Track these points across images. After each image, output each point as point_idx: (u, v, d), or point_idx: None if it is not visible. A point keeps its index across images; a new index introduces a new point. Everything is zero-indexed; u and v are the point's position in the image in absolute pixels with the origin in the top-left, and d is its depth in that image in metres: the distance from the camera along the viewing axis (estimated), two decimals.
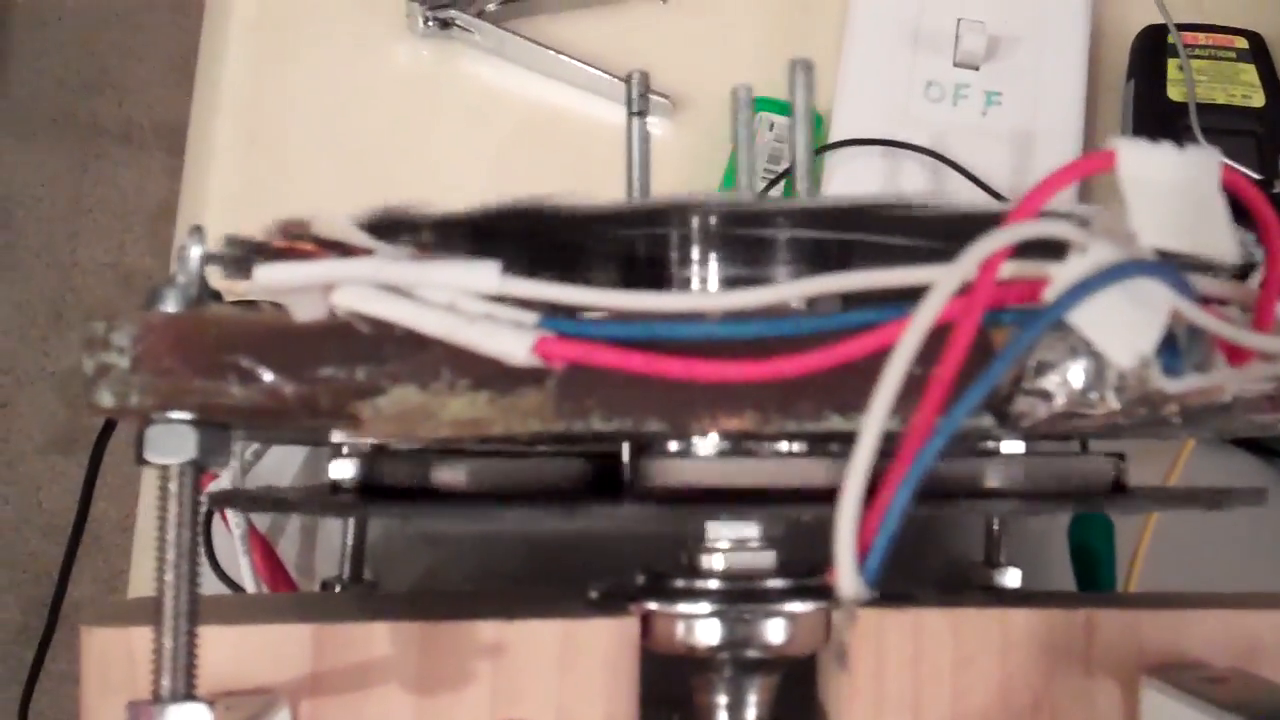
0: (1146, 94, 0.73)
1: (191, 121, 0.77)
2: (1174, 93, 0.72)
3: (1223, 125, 0.71)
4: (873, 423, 0.28)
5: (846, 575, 0.27)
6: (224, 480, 0.57)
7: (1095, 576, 0.58)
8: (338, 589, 0.58)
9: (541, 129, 0.75)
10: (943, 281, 0.28)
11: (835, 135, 0.72)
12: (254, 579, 0.58)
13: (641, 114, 0.47)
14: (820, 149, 0.72)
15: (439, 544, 0.61)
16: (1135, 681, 0.44)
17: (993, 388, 0.29)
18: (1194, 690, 0.41)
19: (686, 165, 0.74)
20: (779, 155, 0.72)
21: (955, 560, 0.61)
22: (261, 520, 0.60)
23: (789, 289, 0.32)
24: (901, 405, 0.30)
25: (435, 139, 0.74)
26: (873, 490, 0.29)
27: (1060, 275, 0.29)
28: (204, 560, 0.60)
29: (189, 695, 0.34)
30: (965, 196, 0.70)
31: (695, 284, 0.43)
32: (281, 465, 0.61)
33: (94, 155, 1.59)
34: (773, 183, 0.72)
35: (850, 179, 0.71)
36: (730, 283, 0.42)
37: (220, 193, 0.74)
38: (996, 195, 0.70)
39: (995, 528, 0.59)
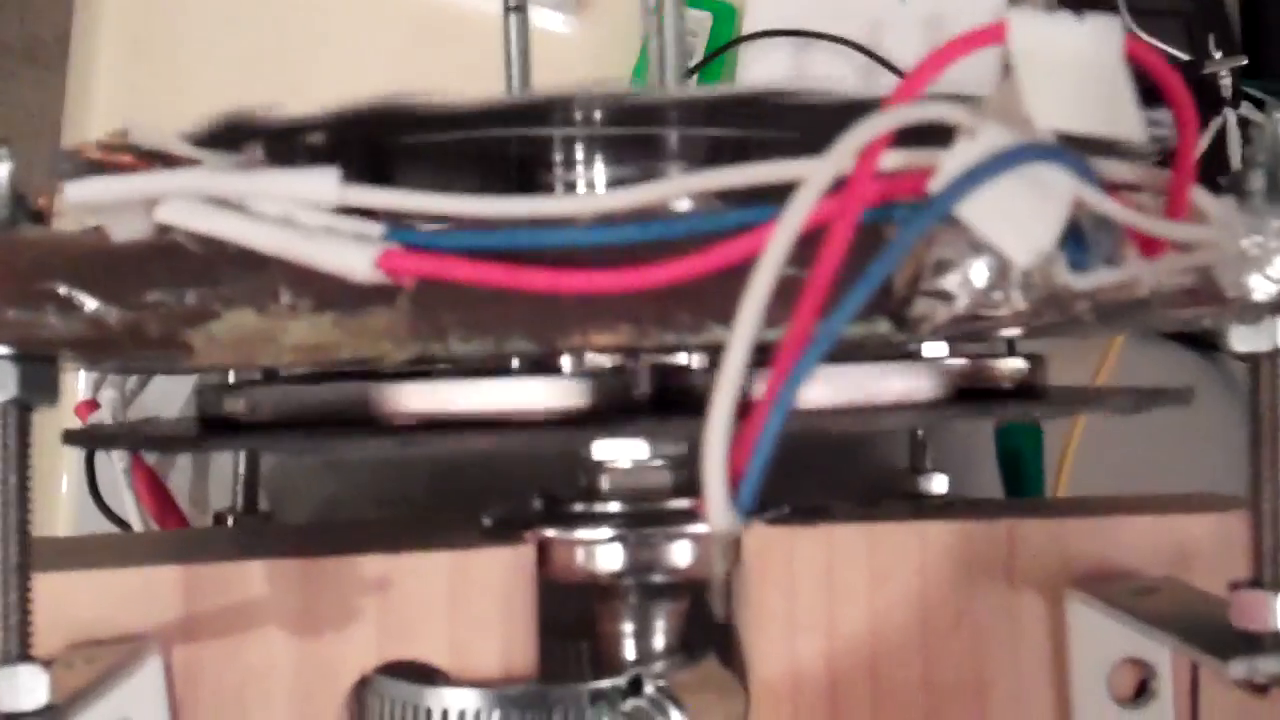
0: None
1: (73, 29, 0.73)
2: None
3: (1152, 5, 0.68)
4: (741, 333, 0.25)
5: (718, 507, 0.25)
6: (104, 413, 0.54)
7: (1023, 482, 0.56)
8: (230, 521, 0.55)
9: (440, 28, 0.71)
10: (814, 176, 0.25)
11: (750, 27, 0.69)
12: (140, 514, 0.55)
13: (520, 8, 0.44)
14: (732, 41, 0.69)
15: (338, 471, 0.59)
16: (1061, 594, 0.42)
17: (875, 289, 0.26)
18: (1122, 603, 0.39)
19: (593, 64, 0.70)
20: (690, 49, 0.69)
21: (880, 467, 0.59)
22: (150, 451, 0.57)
23: (659, 189, 0.29)
24: (783, 315, 0.27)
25: (329, 41, 0.71)
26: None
27: (946, 163, 0.26)
28: (88, 497, 0.57)
29: (23, 656, 0.31)
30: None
31: (579, 191, 0.40)
32: (171, 394, 0.58)
33: None
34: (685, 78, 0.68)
35: (766, 74, 0.68)
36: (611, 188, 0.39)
37: (105, 105, 0.70)
38: None
39: (920, 433, 0.56)
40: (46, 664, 0.31)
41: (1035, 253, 0.26)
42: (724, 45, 0.68)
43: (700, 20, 0.69)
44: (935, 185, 0.26)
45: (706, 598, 0.43)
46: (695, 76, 0.68)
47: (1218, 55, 0.66)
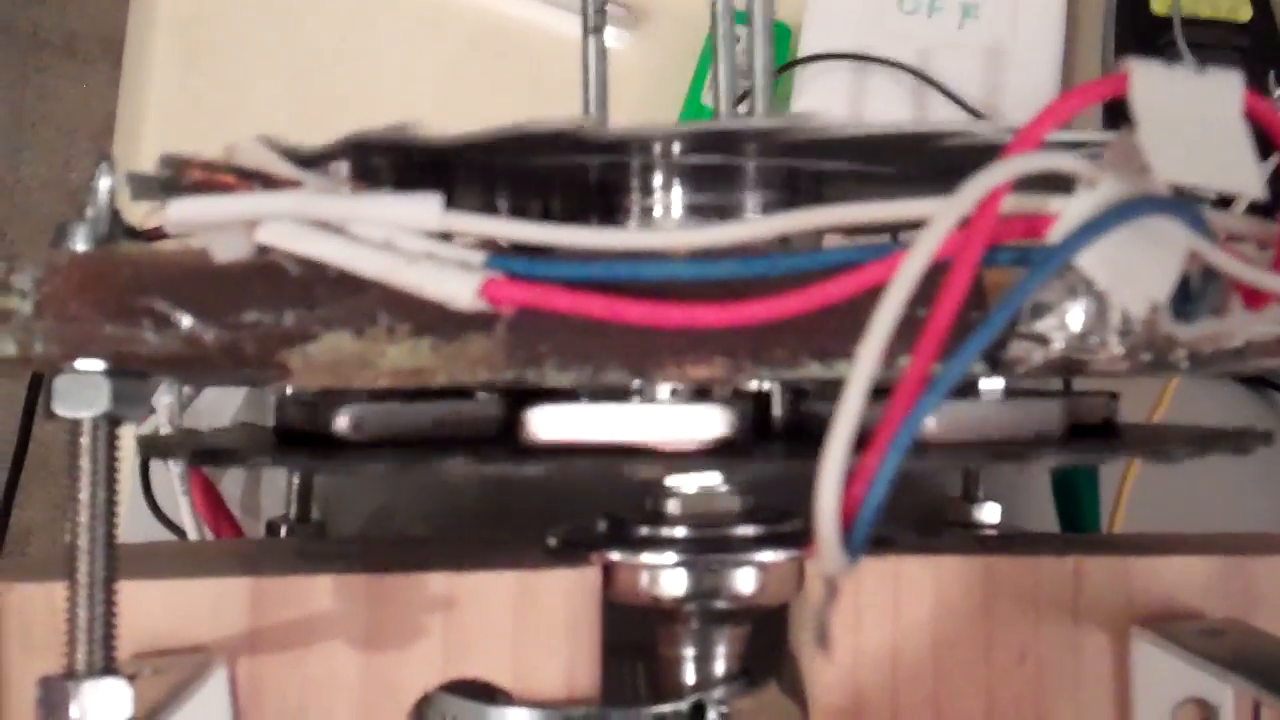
0: (1129, 7, 0.70)
1: (128, 34, 0.73)
2: (1158, 6, 0.69)
3: (1208, 40, 0.68)
4: (861, 371, 0.25)
5: (830, 548, 0.25)
6: (160, 418, 0.54)
7: (1079, 514, 0.56)
8: (283, 530, 0.55)
9: (495, 41, 0.71)
10: (941, 215, 0.25)
11: (805, 50, 0.69)
12: (195, 521, 0.55)
13: (598, 30, 0.44)
14: (788, 64, 0.69)
15: (389, 482, 0.59)
16: (1125, 632, 0.41)
17: (1000, 332, 0.26)
18: (1188, 643, 0.39)
19: (648, 81, 0.70)
20: (743, 71, 0.69)
21: (932, 495, 0.59)
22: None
23: (762, 225, 0.29)
24: (888, 353, 0.27)
25: (384, 51, 0.71)
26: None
27: (1067, 212, 0.26)
28: (141, 502, 0.57)
29: (107, 669, 0.31)
30: (942, 114, 0.67)
31: (657, 214, 0.40)
32: (221, 402, 0.58)
33: (36, 68, 1.54)
34: (737, 101, 0.68)
35: (820, 96, 0.68)
36: (694, 213, 0.39)
37: (159, 110, 0.70)
38: (973, 112, 0.67)
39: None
40: (130, 677, 0.31)
41: (1149, 303, 0.26)
42: (780, 68, 0.68)
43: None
44: (1057, 234, 0.25)
45: (790, 612, 0.43)
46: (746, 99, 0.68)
47: (1277, 92, 0.66)
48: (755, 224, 0.29)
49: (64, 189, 1.50)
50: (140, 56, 0.71)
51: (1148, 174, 0.26)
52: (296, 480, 0.55)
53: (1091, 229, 0.25)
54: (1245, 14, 0.69)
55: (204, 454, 0.40)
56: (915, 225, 0.27)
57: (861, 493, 0.25)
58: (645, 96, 0.69)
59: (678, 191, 0.40)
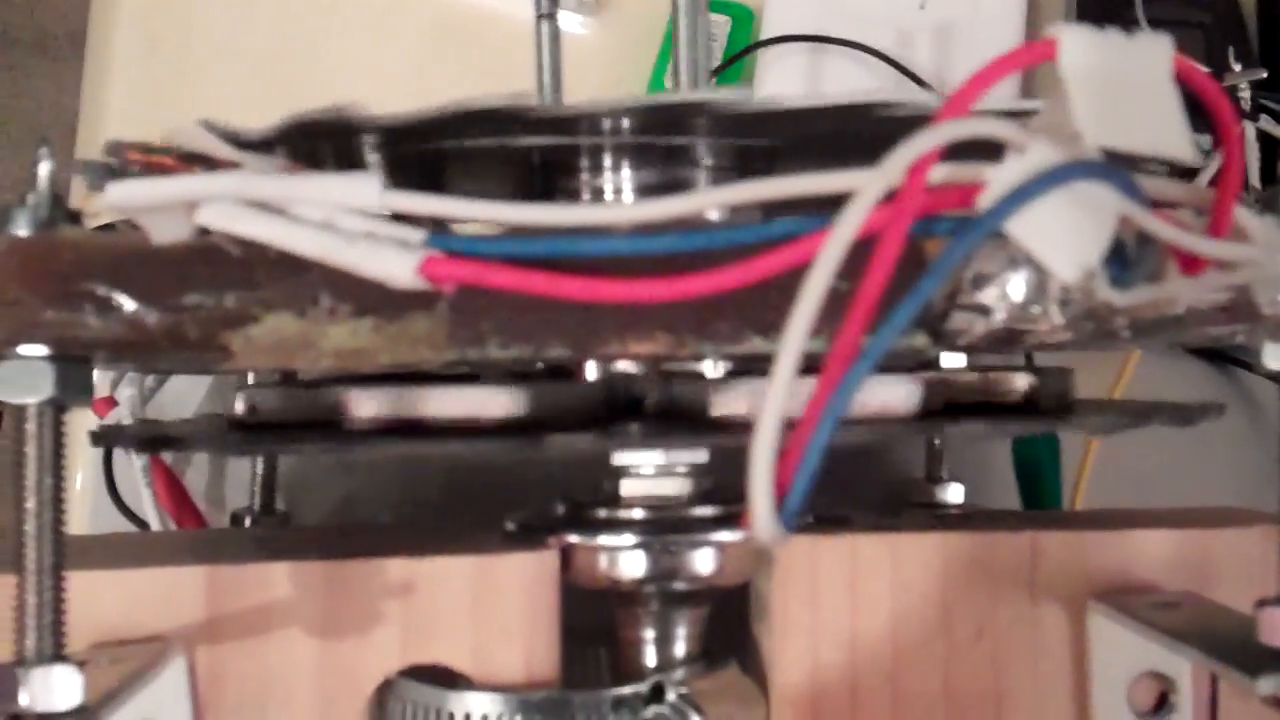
0: None
1: (90, 25, 0.72)
2: None
3: (1170, 16, 0.68)
4: (790, 345, 0.25)
5: (764, 518, 0.25)
6: (122, 410, 0.54)
7: (1040, 492, 0.56)
8: (248, 521, 0.55)
9: (457, 30, 0.71)
10: (866, 187, 0.25)
11: (767, 31, 0.69)
12: (158, 513, 0.55)
13: (551, 16, 0.44)
14: (750, 46, 0.69)
15: (355, 472, 0.59)
16: (1082, 606, 0.42)
17: (925, 304, 0.26)
18: (1144, 617, 0.39)
19: (609, 67, 0.70)
20: (708, 53, 0.69)
21: (895, 476, 0.59)
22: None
23: (702, 198, 0.29)
24: (825, 325, 0.27)
25: (346, 39, 0.71)
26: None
27: (996, 179, 0.26)
28: (104, 494, 0.57)
29: (56, 656, 0.31)
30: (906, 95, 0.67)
31: (608, 196, 0.40)
32: (185, 395, 0.58)
33: (6, 66, 1.53)
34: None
35: (783, 78, 0.68)
36: (644, 195, 0.39)
37: (121, 100, 0.70)
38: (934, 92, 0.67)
39: (937, 443, 0.56)
40: (80, 664, 0.31)
41: (1082, 269, 0.26)
42: (742, 50, 0.68)
43: (719, 24, 0.69)
44: (985, 201, 0.26)
45: (751, 592, 0.43)
46: (714, 80, 0.68)
47: (1237, 68, 0.66)
48: (691, 198, 0.29)
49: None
50: (103, 47, 0.71)
51: (1079, 140, 0.26)
52: (260, 471, 0.55)
53: (1020, 195, 0.25)
54: None
55: (150, 441, 0.40)
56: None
57: (793, 464, 0.25)
58: (607, 82, 0.69)
59: (627, 173, 0.40)
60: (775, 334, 0.30)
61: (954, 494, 0.56)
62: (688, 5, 0.44)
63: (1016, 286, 0.30)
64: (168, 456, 0.57)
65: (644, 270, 0.29)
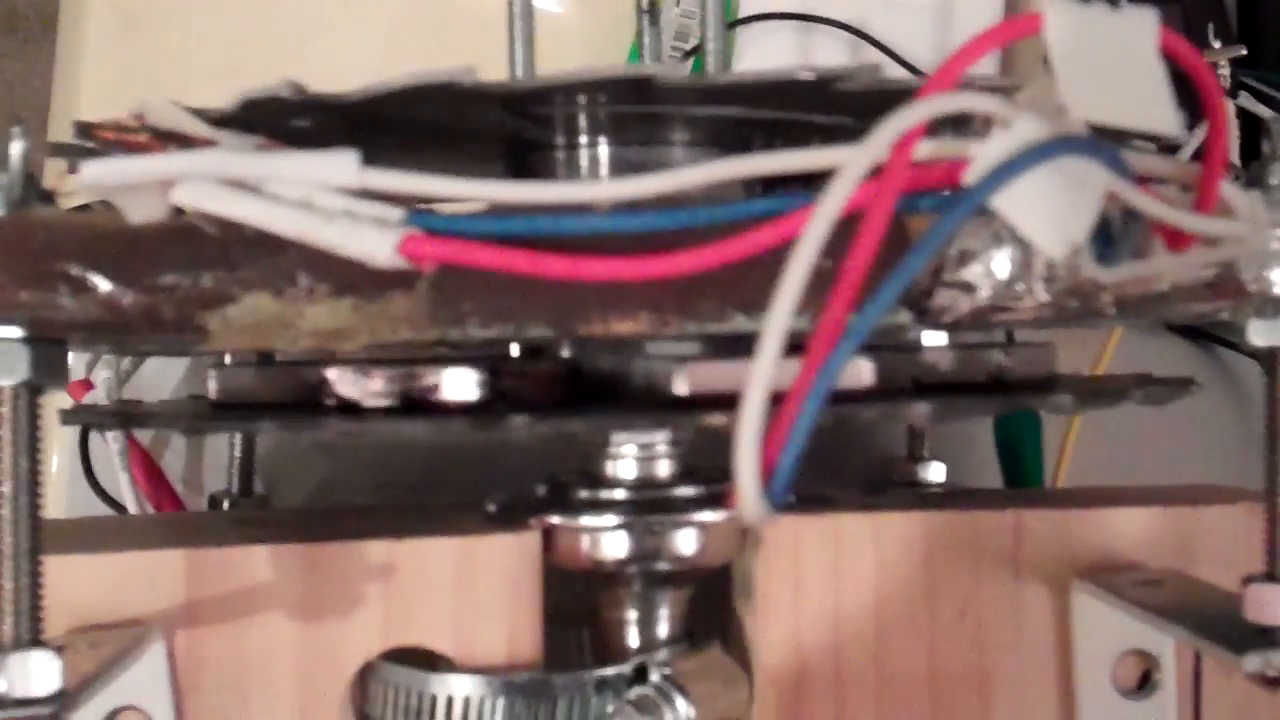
0: None
1: (61, 4, 0.72)
2: None
3: None
4: (775, 323, 0.25)
5: (750, 497, 0.25)
6: (99, 393, 0.54)
7: (1022, 471, 0.56)
8: (226, 504, 0.55)
9: (431, 12, 0.70)
10: (851, 163, 0.25)
11: (747, 9, 0.68)
12: (135, 497, 0.55)
13: None
14: (731, 24, 0.68)
15: (334, 454, 0.58)
16: (1066, 585, 0.42)
17: (910, 281, 0.25)
18: (1128, 595, 0.39)
19: (586, 45, 0.70)
20: (687, 32, 0.68)
21: (877, 455, 0.59)
22: (145, 433, 0.57)
23: (685, 175, 0.28)
24: (810, 303, 0.27)
25: (322, 20, 0.70)
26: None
27: (982, 155, 0.26)
28: (81, 478, 0.56)
29: (34, 641, 0.31)
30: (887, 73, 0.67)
31: (584, 171, 0.40)
32: (162, 377, 0.58)
33: None
34: (682, 60, 0.68)
35: (762, 56, 0.67)
36: (621, 170, 0.39)
37: (94, 81, 0.69)
38: (915, 71, 0.67)
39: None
40: (58, 649, 0.31)
41: (1068, 245, 0.26)
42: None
43: (697, 2, 0.69)
44: (971, 176, 0.25)
45: (733, 573, 0.43)
46: (693, 59, 0.68)
47: (1216, 45, 0.66)
48: (674, 175, 0.28)
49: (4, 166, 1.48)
50: (75, 26, 0.70)
51: (1065, 114, 0.26)
52: (238, 454, 0.55)
53: (1007, 170, 0.25)
54: None
55: (123, 417, 0.40)
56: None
57: (780, 443, 0.25)
58: (584, 60, 0.69)
59: (604, 150, 0.40)
60: (758, 312, 0.30)
61: (936, 473, 0.56)
62: None
63: (1001, 263, 0.30)
64: (144, 439, 0.56)
65: (626, 248, 0.29)
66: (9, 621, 0.31)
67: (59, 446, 0.61)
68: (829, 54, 0.67)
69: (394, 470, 0.58)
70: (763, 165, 0.28)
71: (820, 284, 0.27)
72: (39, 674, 0.30)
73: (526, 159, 0.42)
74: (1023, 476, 0.56)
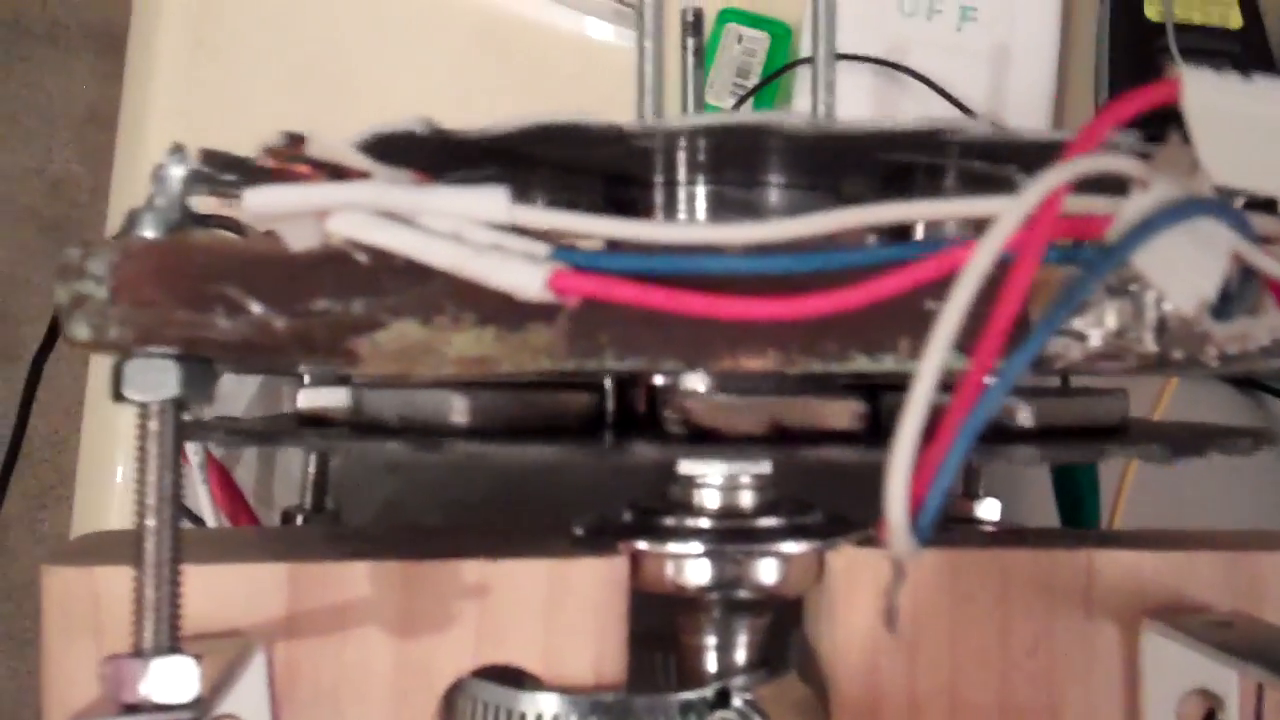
0: (1123, 12, 0.71)
1: (132, 24, 0.73)
2: (1151, 11, 0.70)
3: (1200, 46, 0.69)
4: (930, 364, 0.26)
5: (900, 532, 0.26)
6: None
7: (1080, 511, 0.57)
8: (299, 519, 0.56)
9: (500, 36, 0.72)
10: (1007, 213, 0.26)
11: (805, 51, 0.70)
12: (213, 510, 0.56)
13: (655, 35, 0.44)
14: (789, 65, 0.70)
15: (400, 472, 0.59)
16: (1136, 624, 0.43)
17: (1060, 326, 0.27)
18: (1199, 635, 0.40)
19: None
20: (747, 69, 0.70)
21: None
22: (217, 448, 0.58)
23: (835, 219, 0.30)
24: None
25: (389, 45, 0.71)
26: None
27: (1124, 212, 0.27)
28: None
29: (173, 648, 0.32)
30: (940, 114, 0.68)
31: (681, 208, 0.41)
32: (233, 392, 0.59)
33: (18, 57, 1.53)
34: (742, 99, 0.70)
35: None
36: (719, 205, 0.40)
37: (164, 101, 0.70)
38: (971, 114, 0.68)
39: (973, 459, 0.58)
40: (198, 657, 0.32)
41: (1199, 301, 0.27)
42: (780, 69, 0.70)
43: (758, 41, 0.70)
44: (1114, 232, 0.27)
45: (807, 603, 0.44)
46: (751, 99, 0.69)
47: None
48: (810, 221, 0.30)
49: (45, 178, 1.49)
50: (146, 46, 0.71)
51: (1196, 176, 0.27)
52: (312, 470, 0.56)
53: (1148, 228, 0.26)
54: (1236, 21, 0.71)
55: (238, 435, 0.41)
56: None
57: (928, 480, 0.26)
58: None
59: (701, 189, 0.42)
60: (879, 354, 0.32)
61: (989, 510, 0.57)
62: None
63: (1112, 314, 0.31)
64: (218, 453, 0.57)
65: (759, 289, 0.30)
66: (150, 629, 0.32)
67: (123, 457, 0.63)
68: (886, 95, 0.69)
69: (459, 489, 0.59)
70: (901, 213, 0.29)
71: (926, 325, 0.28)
72: (180, 680, 0.31)
73: (624, 193, 0.43)
74: (1080, 516, 0.57)
